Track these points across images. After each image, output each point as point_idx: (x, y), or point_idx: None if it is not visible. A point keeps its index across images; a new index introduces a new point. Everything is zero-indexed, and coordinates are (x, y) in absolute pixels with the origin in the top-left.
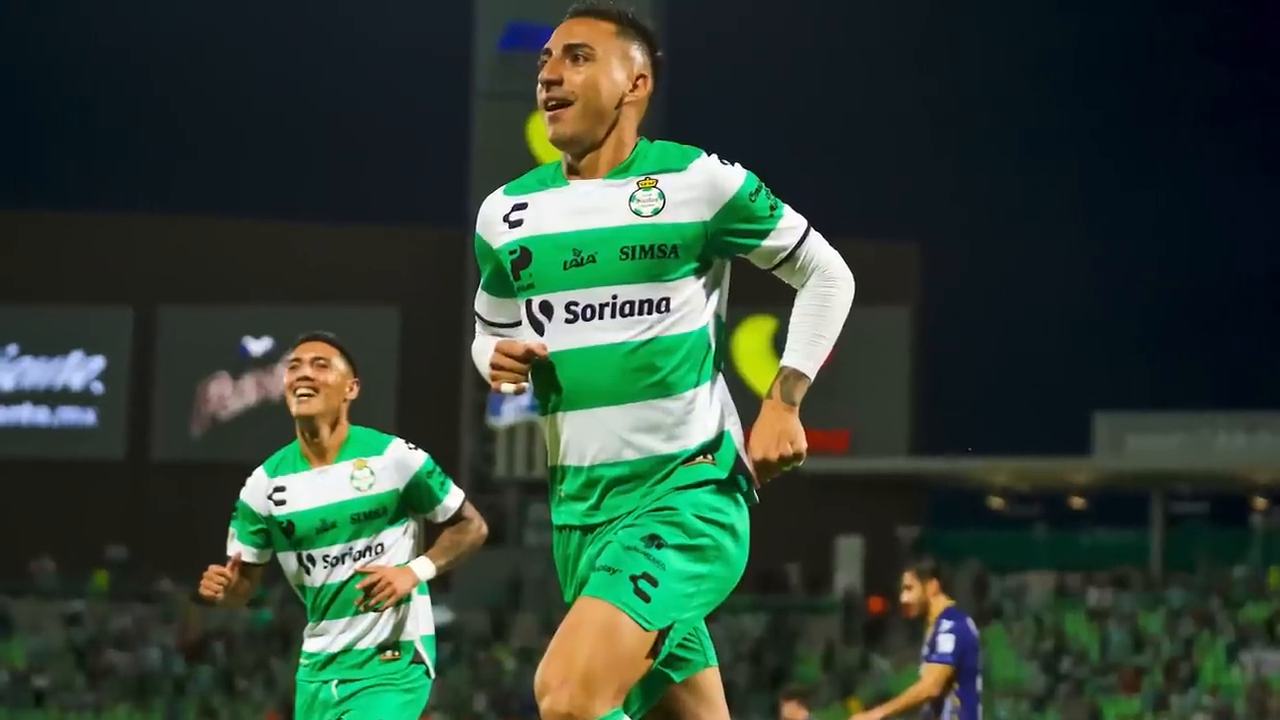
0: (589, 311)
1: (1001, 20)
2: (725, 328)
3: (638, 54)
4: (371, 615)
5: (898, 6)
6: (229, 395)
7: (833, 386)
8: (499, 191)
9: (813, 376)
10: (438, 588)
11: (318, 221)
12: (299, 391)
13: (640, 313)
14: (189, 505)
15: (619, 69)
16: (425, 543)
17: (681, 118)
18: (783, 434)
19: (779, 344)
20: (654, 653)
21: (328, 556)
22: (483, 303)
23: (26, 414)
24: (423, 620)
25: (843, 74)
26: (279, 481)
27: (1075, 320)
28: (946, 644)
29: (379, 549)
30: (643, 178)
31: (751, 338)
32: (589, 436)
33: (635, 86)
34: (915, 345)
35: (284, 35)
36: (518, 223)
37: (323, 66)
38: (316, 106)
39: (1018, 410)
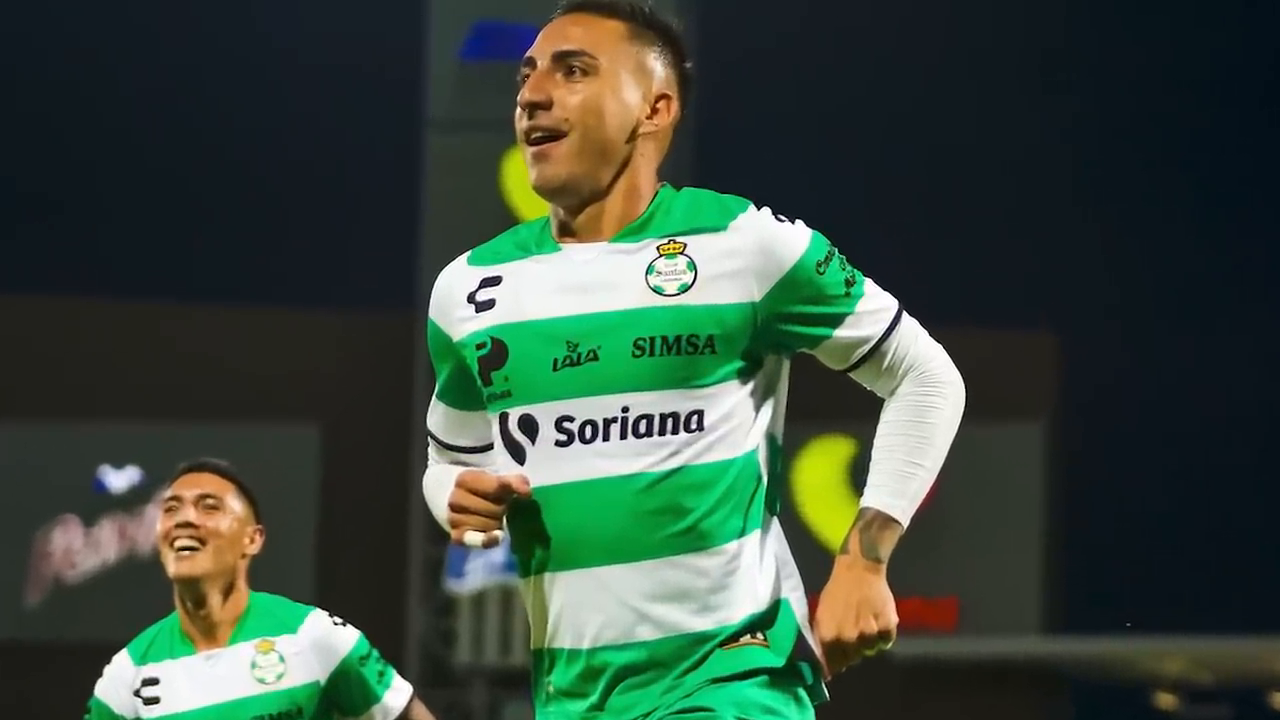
0: (589, 430)
1: (1163, 22)
2: (782, 453)
3: (658, 65)
4: None
5: (1019, 3)
6: (79, 549)
7: (934, 536)
8: (461, 260)
9: (906, 522)
10: None
11: (206, 302)
12: (179, 544)
13: (662, 432)
14: (22, 702)
15: (631, 86)
16: None
17: (717, 154)
18: (863, 604)
19: (858, 475)
20: None
21: None
22: (439, 417)
23: None
24: None
25: (941, 94)
26: (150, 671)
27: (1273, 441)
28: None
29: None
30: (665, 240)
31: (819, 466)
32: (589, 607)
33: (654, 111)
34: (1050, 477)
35: (159, 36)
36: (488, 304)
37: (215, 84)
38: (206, 142)
39: (1195, 571)
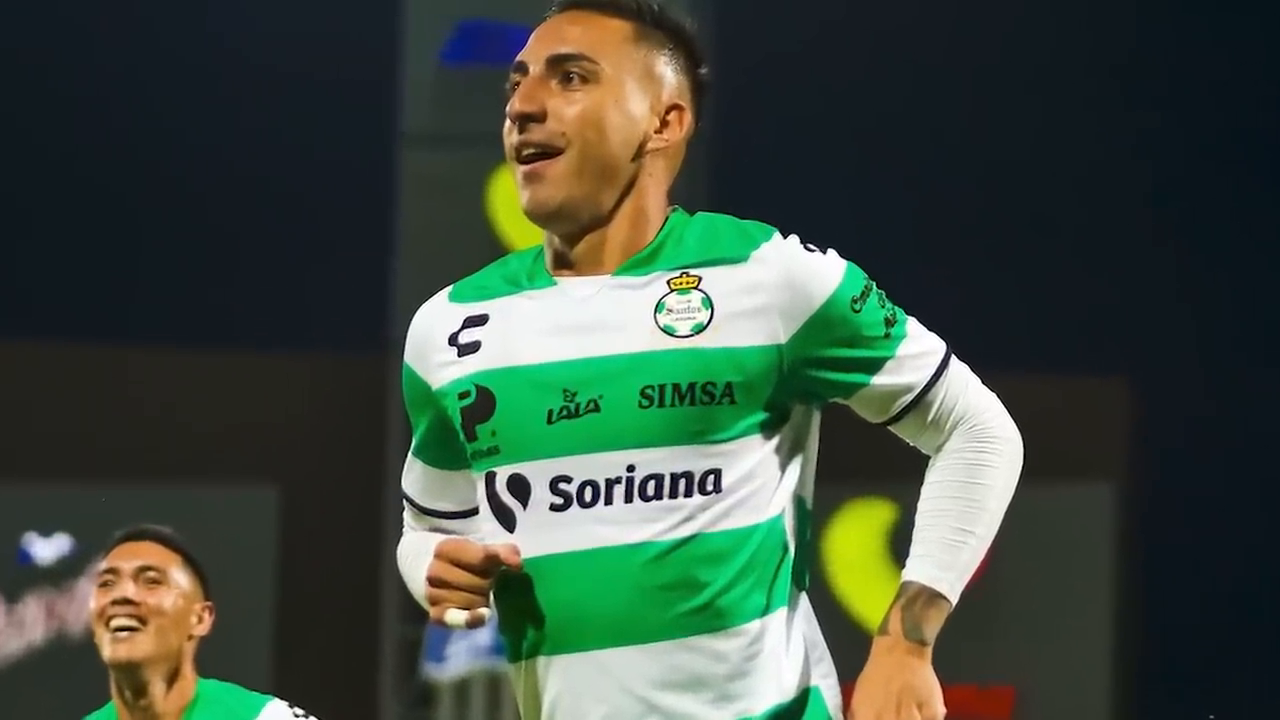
0: (589, 492)
1: (1251, 23)
2: (812, 518)
3: (668, 71)
4: None
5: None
6: (1, 628)
7: (988, 614)
8: (442, 295)
9: (955, 598)
10: None
11: (147, 344)
12: (116, 623)
13: (673, 494)
14: None
15: (638, 96)
16: None
17: (735, 172)
18: (905, 692)
19: (900, 544)
20: None
21: None
22: (415, 477)
23: None
24: None
25: (997, 105)
26: None
27: None
28: None
29: None
30: (677, 273)
31: (855, 534)
32: (589, 696)
33: (664, 124)
34: (1122, 545)
35: (91, 35)
36: (472, 347)
37: (154, 90)
38: (145, 157)
39: None
